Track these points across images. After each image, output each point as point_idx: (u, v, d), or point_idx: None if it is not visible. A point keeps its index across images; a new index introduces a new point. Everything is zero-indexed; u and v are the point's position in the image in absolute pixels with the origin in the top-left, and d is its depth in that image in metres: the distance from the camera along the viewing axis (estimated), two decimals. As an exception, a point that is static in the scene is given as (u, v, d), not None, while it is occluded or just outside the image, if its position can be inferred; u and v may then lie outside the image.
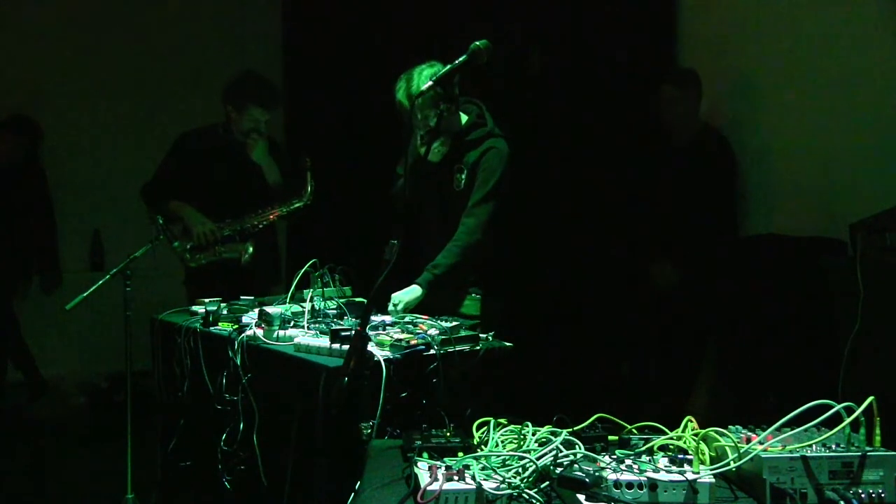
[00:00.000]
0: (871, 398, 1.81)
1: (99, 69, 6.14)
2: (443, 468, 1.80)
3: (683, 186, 4.44)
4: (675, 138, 4.54)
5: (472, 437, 2.13)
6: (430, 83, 2.67)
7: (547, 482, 1.82)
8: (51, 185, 5.75)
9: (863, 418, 1.82)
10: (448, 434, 2.07)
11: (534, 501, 1.78)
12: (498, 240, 3.48)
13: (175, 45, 6.21)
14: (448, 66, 2.65)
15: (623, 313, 4.78)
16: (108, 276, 3.51)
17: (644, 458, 1.86)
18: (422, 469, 1.83)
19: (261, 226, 4.20)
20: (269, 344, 2.85)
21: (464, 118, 3.47)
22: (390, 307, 3.19)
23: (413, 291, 3.23)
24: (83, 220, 6.18)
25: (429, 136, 3.26)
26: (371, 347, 2.55)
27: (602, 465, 1.83)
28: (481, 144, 3.42)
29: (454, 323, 2.83)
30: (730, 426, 1.96)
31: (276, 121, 5.70)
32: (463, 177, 3.41)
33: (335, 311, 3.07)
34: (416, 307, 3.22)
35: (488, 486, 1.79)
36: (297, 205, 4.12)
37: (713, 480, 1.77)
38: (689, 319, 4.42)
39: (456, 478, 1.74)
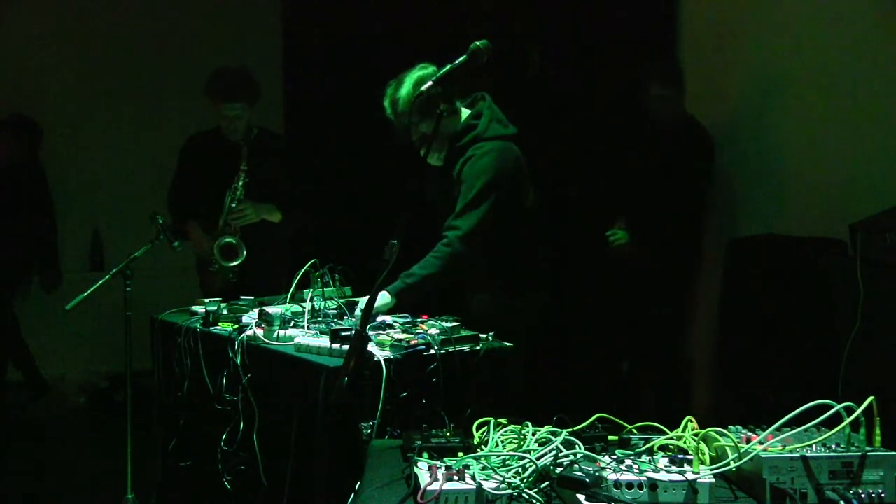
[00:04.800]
0: (871, 398, 1.81)
1: (99, 69, 6.14)
2: (443, 468, 1.80)
3: (665, 168, 4.48)
4: (661, 127, 4.57)
5: (472, 437, 2.13)
6: (430, 83, 2.66)
7: (547, 482, 1.82)
8: (51, 185, 5.75)
9: (863, 418, 1.82)
10: (448, 434, 2.07)
11: (534, 501, 1.78)
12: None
13: (175, 45, 6.21)
14: (448, 66, 2.64)
15: (623, 313, 4.77)
16: (108, 276, 3.51)
17: (644, 458, 1.86)
18: (422, 469, 1.83)
19: (236, 216, 4.17)
20: (269, 344, 2.85)
21: (464, 115, 3.31)
22: (357, 310, 2.99)
23: (382, 297, 3.01)
24: (83, 220, 6.18)
25: (424, 141, 3.15)
26: (371, 347, 2.55)
27: (602, 465, 1.83)
28: (465, 152, 3.24)
29: (455, 323, 2.83)
30: (730, 426, 1.96)
31: (276, 120, 5.73)
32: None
33: (335, 311, 3.06)
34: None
35: (488, 486, 1.78)
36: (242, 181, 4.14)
37: (713, 480, 1.77)
38: (689, 319, 4.43)
39: (456, 478, 1.73)
